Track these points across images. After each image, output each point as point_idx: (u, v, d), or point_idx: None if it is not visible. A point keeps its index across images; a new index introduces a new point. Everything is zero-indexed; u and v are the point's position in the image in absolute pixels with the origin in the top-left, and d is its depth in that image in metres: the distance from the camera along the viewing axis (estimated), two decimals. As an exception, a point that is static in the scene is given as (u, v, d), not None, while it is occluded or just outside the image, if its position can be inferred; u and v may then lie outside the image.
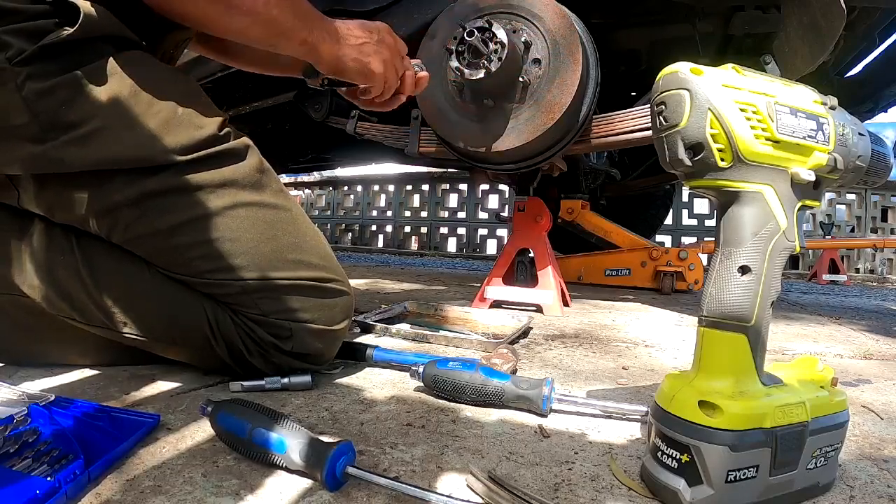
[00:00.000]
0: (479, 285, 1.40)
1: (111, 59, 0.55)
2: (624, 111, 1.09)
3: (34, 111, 0.52)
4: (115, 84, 0.54)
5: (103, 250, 0.59)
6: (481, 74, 0.95)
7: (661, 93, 0.39)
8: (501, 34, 0.94)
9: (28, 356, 0.65)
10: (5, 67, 0.50)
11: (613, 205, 2.55)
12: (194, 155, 0.56)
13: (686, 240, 4.22)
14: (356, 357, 0.72)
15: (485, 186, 4.90)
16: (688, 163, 0.38)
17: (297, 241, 0.61)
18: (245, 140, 0.61)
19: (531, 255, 1.41)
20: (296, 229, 0.61)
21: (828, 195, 4.16)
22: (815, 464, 0.39)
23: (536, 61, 1.02)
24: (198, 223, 0.56)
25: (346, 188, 5.86)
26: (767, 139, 0.38)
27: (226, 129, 0.60)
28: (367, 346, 0.71)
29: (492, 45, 0.94)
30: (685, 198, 4.29)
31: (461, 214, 5.10)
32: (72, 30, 0.52)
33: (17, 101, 0.51)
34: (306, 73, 0.72)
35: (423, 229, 5.24)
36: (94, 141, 0.53)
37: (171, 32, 0.68)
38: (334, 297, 0.62)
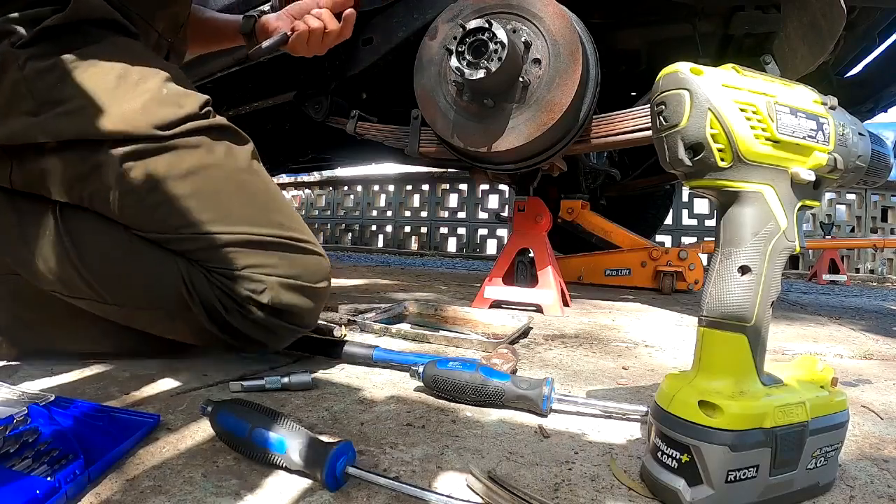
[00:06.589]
0: (479, 285, 1.40)
1: (104, 42, 0.61)
2: (624, 111, 1.09)
3: (32, 88, 0.57)
4: (107, 64, 0.60)
5: (84, 220, 0.61)
6: (481, 74, 0.95)
7: (661, 93, 0.39)
8: (501, 34, 0.94)
9: (38, 343, 0.67)
10: (9, 51, 0.57)
11: (613, 205, 2.56)
12: (175, 130, 0.60)
13: (686, 240, 4.22)
14: (355, 358, 0.72)
15: (485, 186, 4.90)
16: (688, 163, 0.38)
17: (269, 203, 0.64)
18: (224, 118, 0.66)
19: (531, 255, 1.41)
20: (270, 195, 0.65)
21: (828, 195, 4.16)
22: (815, 464, 0.39)
23: (536, 61, 1.02)
24: (172, 182, 0.59)
25: (346, 188, 5.87)
26: (767, 139, 0.38)
27: (206, 109, 0.63)
28: (366, 346, 0.71)
29: (492, 45, 0.94)
30: (685, 198, 4.29)
31: (461, 214, 5.10)
32: (64, 13, 0.58)
33: (19, 80, 0.57)
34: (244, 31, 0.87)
35: (423, 229, 5.24)
36: (85, 114, 0.57)
37: (161, 11, 0.73)
38: (308, 254, 0.65)
